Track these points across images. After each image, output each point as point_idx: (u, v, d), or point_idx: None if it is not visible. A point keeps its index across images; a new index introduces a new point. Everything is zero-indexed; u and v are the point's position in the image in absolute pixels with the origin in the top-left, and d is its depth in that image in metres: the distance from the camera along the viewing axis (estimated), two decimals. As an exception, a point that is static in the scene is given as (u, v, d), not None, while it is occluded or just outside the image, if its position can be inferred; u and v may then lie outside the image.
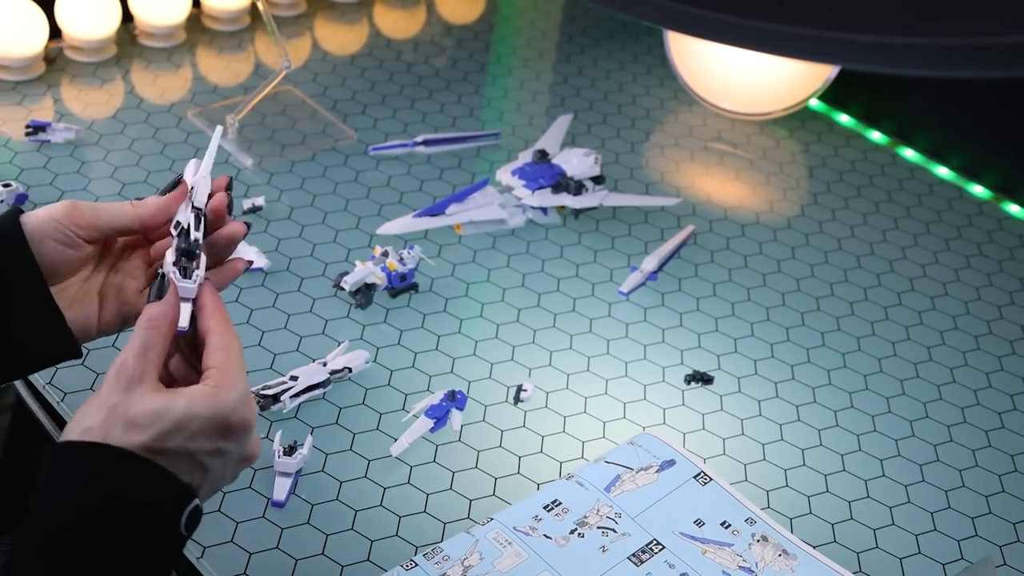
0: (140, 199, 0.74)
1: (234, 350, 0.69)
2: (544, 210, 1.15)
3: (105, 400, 0.65)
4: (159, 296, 0.69)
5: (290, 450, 0.86)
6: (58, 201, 0.77)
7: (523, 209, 1.14)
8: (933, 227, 1.25)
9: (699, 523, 0.87)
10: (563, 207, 1.16)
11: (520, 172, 1.15)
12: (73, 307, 0.75)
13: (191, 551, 0.81)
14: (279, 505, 0.85)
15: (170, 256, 0.70)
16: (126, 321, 0.77)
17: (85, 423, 0.64)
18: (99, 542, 0.62)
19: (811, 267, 1.17)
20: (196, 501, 0.65)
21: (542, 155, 1.17)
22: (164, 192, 0.74)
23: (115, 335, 0.86)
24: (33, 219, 0.72)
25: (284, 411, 0.92)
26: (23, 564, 0.62)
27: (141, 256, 0.78)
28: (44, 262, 0.72)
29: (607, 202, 1.16)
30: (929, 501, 0.93)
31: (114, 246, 0.77)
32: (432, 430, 0.91)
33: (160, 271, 0.70)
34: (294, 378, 0.93)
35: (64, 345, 0.73)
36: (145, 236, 0.76)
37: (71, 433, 0.64)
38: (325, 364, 0.94)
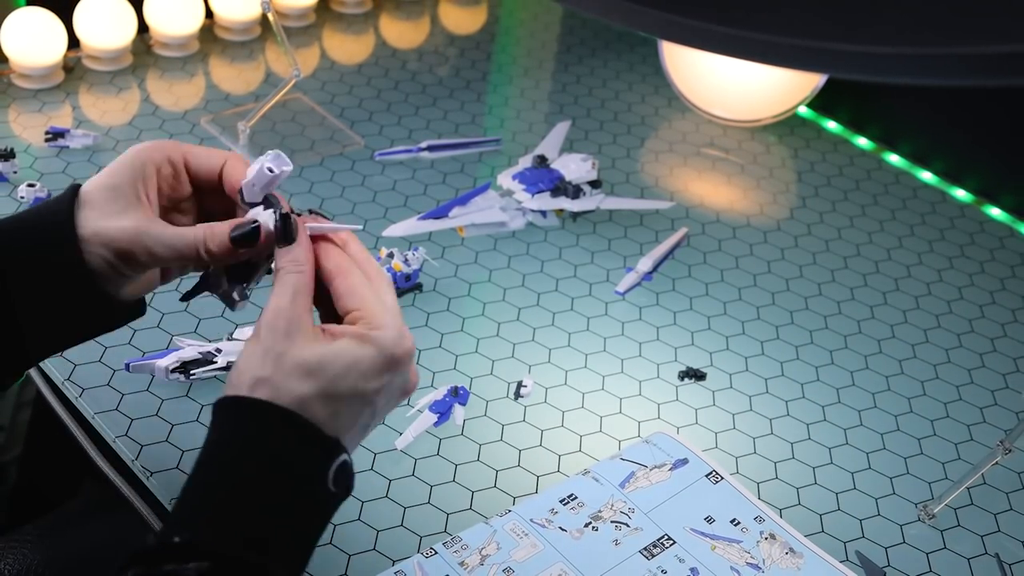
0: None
1: (367, 287, 0.65)
2: (543, 213, 1.15)
3: (270, 348, 0.62)
4: (287, 238, 0.65)
5: None
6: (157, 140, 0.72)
7: (523, 212, 1.14)
8: (917, 229, 1.25)
9: (709, 520, 0.86)
10: (562, 210, 1.16)
11: (520, 176, 1.15)
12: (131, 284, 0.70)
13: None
14: None
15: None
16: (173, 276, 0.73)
17: (255, 372, 0.61)
18: (248, 500, 0.60)
19: (800, 268, 1.17)
20: (344, 456, 0.62)
21: (541, 160, 1.17)
22: (239, 239, 0.67)
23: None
24: (82, 245, 0.66)
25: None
26: (190, 513, 0.59)
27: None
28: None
29: (604, 205, 1.16)
30: (913, 493, 0.93)
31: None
32: (436, 424, 0.91)
33: (283, 211, 0.66)
34: (218, 351, 0.90)
35: (129, 312, 0.70)
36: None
37: (241, 386, 0.61)
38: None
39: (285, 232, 0.65)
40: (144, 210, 0.67)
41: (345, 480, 0.63)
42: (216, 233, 0.67)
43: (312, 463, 0.61)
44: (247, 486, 0.60)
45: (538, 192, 1.13)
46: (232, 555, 0.57)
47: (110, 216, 0.66)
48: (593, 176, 1.16)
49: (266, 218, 0.67)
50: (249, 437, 0.61)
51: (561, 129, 1.28)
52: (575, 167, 1.16)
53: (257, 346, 0.62)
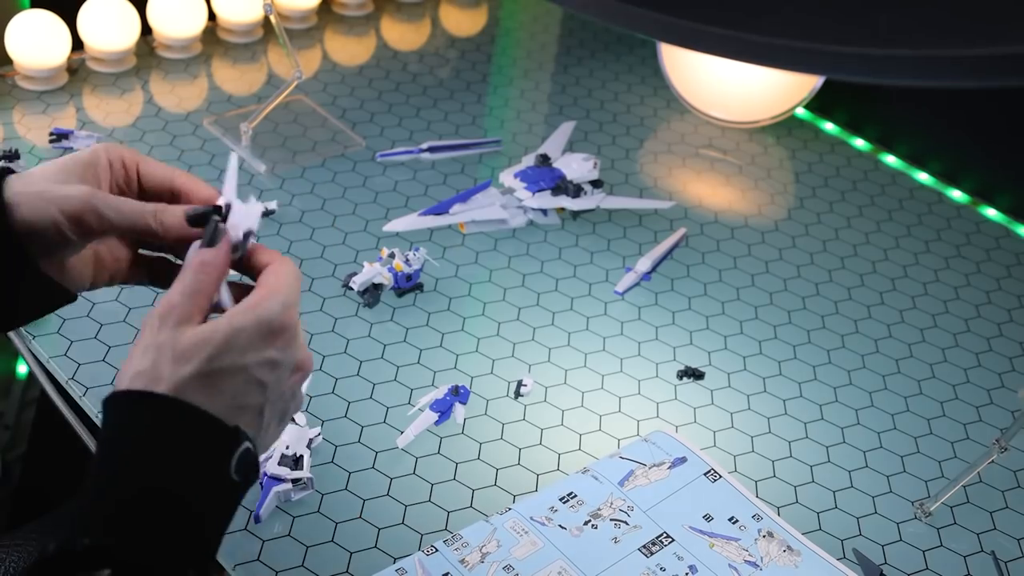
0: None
1: (286, 273, 0.64)
2: (544, 211, 1.15)
3: (152, 341, 0.60)
4: (211, 243, 0.63)
5: (294, 462, 0.84)
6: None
7: (524, 210, 1.14)
8: (914, 230, 1.25)
9: (708, 518, 0.87)
10: (563, 209, 1.16)
11: (522, 175, 1.15)
12: (63, 271, 0.69)
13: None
14: (256, 519, 0.82)
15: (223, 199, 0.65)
16: (115, 280, 0.72)
17: (135, 366, 0.59)
18: (150, 493, 0.58)
19: (797, 268, 1.17)
20: (247, 444, 0.61)
21: (544, 159, 1.17)
22: (193, 218, 0.66)
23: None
24: (27, 197, 0.64)
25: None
26: (85, 519, 0.57)
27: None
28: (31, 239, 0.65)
29: (604, 204, 1.16)
30: (910, 491, 0.93)
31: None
32: (437, 423, 0.91)
33: (214, 218, 0.64)
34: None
35: (58, 297, 0.68)
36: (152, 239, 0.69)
37: (122, 381, 0.60)
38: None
39: (211, 237, 0.64)
40: (94, 185, 0.66)
41: (248, 468, 0.61)
42: (171, 209, 0.66)
43: (205, 449, 0.59)
44: (145, 483, 0.58)
45: (539, 191, 1.13)
46: (137, 564, 0.56)
47: (59, 184, 0.65)
48: (594, 176, 1.16)
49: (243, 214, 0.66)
50: (131, 428, 0.59)
51: (565, 129, 1.28)
52: (577, 166, 1.16)
53: (142, 341, 0.61)
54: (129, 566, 0.56)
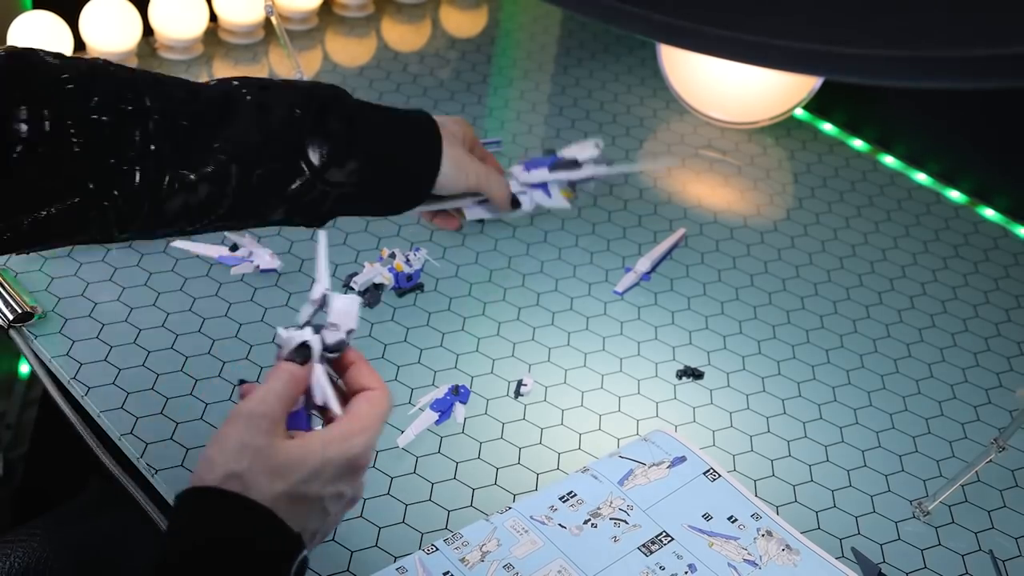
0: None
1: (380, 407, 0.67)
2: (547, 192, 1.06)
3: (248, 443, 0.62)
4: (302, 359, 0.67)
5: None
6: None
7: (525, 192, 1.06)
8: (912, 230, 1.25)
9: (707, 517, 0.87)
10: (570, 193, 1.08)
11: (524, 164, 1.10)
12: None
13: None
14: None
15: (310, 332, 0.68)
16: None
17: (230, 465, 0.62)
18: None
19: (796, 268, 1.17)
20: (305, 552, 0.64)
21: (549, 152, 1.14)
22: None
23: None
24: (453, 161, 0.91)
25: None
26: None
27: None
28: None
29: (601, 172, 1.08)
30: (909, 490, 0.93)
31: None
32: (437, 422, 0.91)
33: (305, 339, 0.68)
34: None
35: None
36: None
37: (215, 473, 0.62)
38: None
39: (302, 354, 0.67)
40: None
41: (302, 574, 0.64)
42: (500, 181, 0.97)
43: (278, 558, 0.62)
44: (216, 567, 0.60)
45: (535, 168, 1.06)
46: None
47: (466, 154, 0.94)
48: (595, 154, 1.09)
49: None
50: (218, 527, 0.61)
51: (587, 144, 1.12)
52: (578, 148, 1.09)
53: (235, 437, 0.62)
54: None
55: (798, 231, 1.23)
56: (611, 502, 0.86)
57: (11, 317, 0.95)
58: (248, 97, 0.77)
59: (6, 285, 0.98)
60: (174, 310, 0.99)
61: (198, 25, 1.33)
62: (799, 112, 1.41)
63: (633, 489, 0.88)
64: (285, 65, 1.36)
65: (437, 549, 0.81)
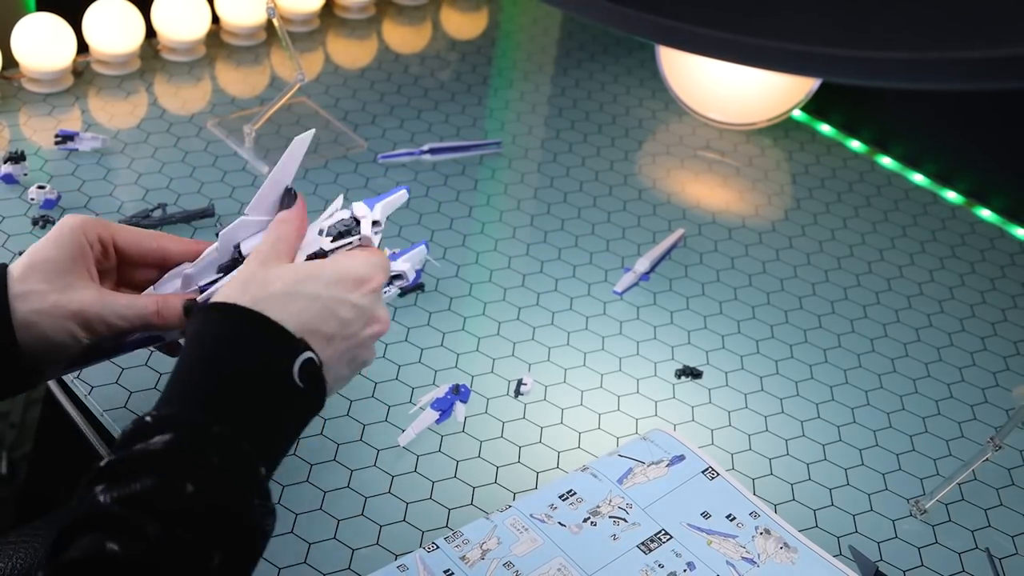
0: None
1: (374, 251, 0.74)
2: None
3: (243, 275, 0.68)
4: (287, 203, 0.74)
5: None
6: (84, 215, 0.76)
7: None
8: (909, 231, 1.25)
9: (705, 515, 0.87)
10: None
11: (392, 255, 0.86)
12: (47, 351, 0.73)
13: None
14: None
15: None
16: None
17: (225, 292, 0.67)
18: (214, 382, 0.63)
19: (794, 268, 1.17)
20: (308, 354, 0.65)
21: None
22: (187, 308, 0.73)
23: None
24: (42, 316, 0.70)
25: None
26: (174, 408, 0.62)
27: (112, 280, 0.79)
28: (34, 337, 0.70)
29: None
30: (906, 489, 0.93)
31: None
32: (438, 421, 0.91)
33: (287, 186, 0.75)
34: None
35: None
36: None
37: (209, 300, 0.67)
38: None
39: (288, 199, 0.74)
40: (96, 284, 0.73)
41: (312, 380, 0.66)
42: (171, 304, 0.73)
43: (271, 352, 0.65)
44: (213, 371, 0.63)
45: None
46: (196, 423, 0.60)
47: (65, 290, 0.70)
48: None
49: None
50: (204, 334, 0.65)
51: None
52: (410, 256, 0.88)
53: (238, 277, 0.68)
54: (191, 428, 0.60)
55: (796, 232, 1.23)
56: (610, 500, 0.86)
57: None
58: None
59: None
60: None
61: (200, 27, 1.33)
62: (797, 113, 1.41)
63: (632, 488, 0.88)
64: (287, 67, 1.36)
65: (438, 547, 0.81)
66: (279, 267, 0.68)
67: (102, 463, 0.57)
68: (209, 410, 0.61)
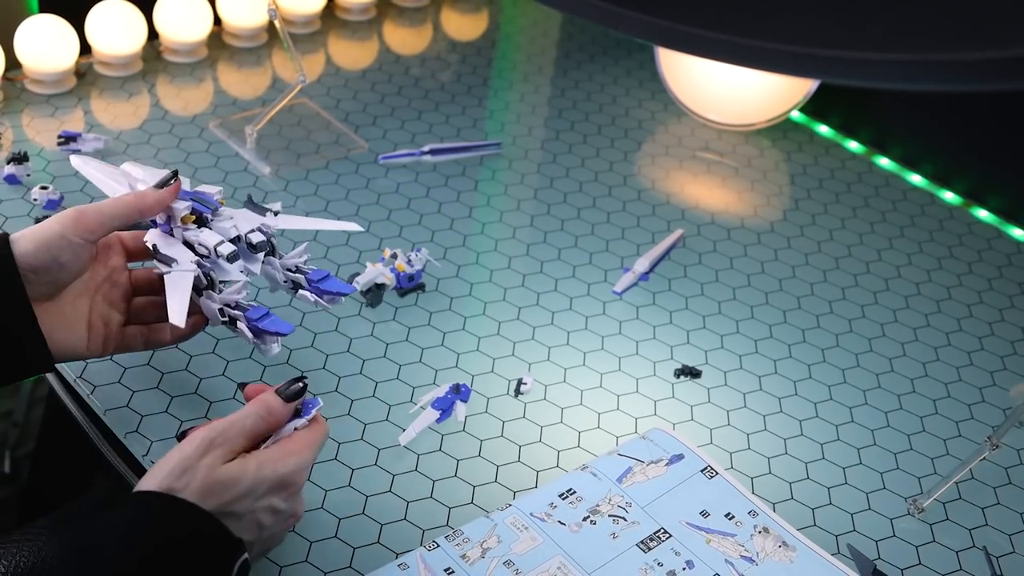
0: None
1: (317, 438, 0.74)
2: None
3: (193, 461, 0.68)
4: (293, 397, 0.74)
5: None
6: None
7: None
8: (907, 231, 1.25)
9: (704, 514, 0.87)
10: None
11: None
12: (63, 330, 0.79)
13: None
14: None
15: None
16: (107, 349, 0.83)
17: (168, 482, 0.68)
18: None
19: (793, 268, 1.17)
20: (246, 555, 0.69)
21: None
22: (160, 186, 0.82)
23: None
24: (36, 238, 0.76)
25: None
26: None
27: (123, 289, 0.84)
28: (50, 275, 0.77)
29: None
30: (903, 488, 0.93)
31: (100, 270, 0.82)
32: (438, 421, 0.91)
33: (303, 383, 0.75)
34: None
35: (40, 361, 0.77)
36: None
37: (155, 484, 0.68)
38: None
39: (295, 394, 0.75)
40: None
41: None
42: (148, 192, 0.82)
43: (220, 554, 0.67)
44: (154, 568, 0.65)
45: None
46: None
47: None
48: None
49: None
50: (153, 525, 0.66)
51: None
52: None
53: (176, 458, 0.69)
54: None
55: (794, 232, 1.23)
56: (610, 499, 0.86)
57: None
58: None
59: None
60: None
61: (202, 28, 1.33)
62: (795, 114, 1.41)
63: (632, 486, 0.88)
64: (288, 69, 1.36)
65: (438, 546, 0.81)
66: (224, 470, 0.69)
67: None
68: None
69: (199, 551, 0.66)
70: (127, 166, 0.87)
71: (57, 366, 0.93)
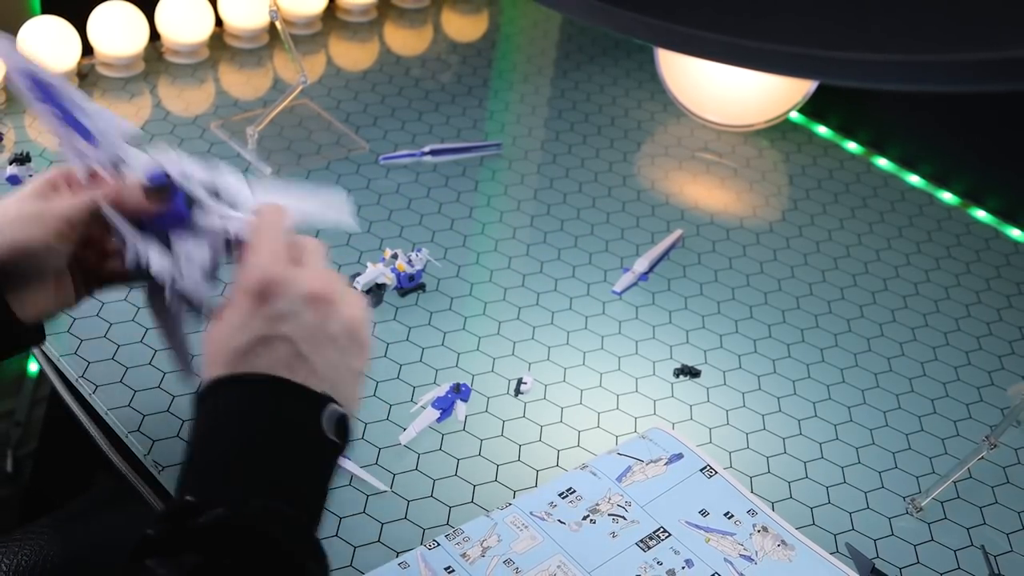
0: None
1: (260, 231, 0.65)
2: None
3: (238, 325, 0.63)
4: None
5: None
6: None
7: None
8: (905, 231, 1.25)
9: (704, 513, 0.86)
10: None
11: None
12: (47, 299, 0.71)
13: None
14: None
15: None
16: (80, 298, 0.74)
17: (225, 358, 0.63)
18: (259, 464, 0.60)
19: (791, 268, 1.17)
20: (333, 407, 0.61)
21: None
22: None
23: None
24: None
25: None
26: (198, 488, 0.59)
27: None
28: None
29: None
30: (902, 487, 0.93)
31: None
32: (438, 420, 0.91)
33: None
34: None
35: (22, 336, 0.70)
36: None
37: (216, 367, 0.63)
38: None
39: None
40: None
41: (341, 428, 0.62)
42: (130, 188, 0.70)
43: (299, 417, 0.61)
44: (245, 447, 0.60)
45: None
46: (241, 499, 0.58)
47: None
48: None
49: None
50: (231, 410, 0.61)
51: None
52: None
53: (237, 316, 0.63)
54: (236, 502, 0.57)
55: (793, 232, 1.23)
56: (609, 498, 0.86)
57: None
58: None
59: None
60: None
61: (204, 30, 1.33)
62: (794, 115, 1.41)
63: (631, 486, 0.88)
64: (289, 70, 1.36)
65: (439, 544, 0.81)
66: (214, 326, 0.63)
67: (151, 533, 0.56)
68: (250, 486, 0.59)
69: (273, 418, 0.60)
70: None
71: (60, 365, 0.93)
